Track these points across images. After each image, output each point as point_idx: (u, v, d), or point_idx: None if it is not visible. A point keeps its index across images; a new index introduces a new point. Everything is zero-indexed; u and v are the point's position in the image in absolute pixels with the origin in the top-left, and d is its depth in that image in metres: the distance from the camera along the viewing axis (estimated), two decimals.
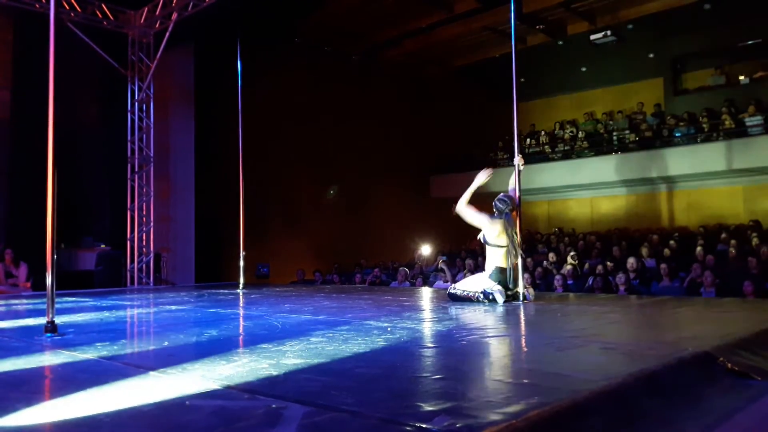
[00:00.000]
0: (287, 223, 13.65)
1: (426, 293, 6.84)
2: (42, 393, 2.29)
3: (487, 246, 5.23)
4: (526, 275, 6.20)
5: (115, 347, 3.10)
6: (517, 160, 5.35)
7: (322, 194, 14.81)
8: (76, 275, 10.38)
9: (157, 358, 2.83)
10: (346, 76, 15.33)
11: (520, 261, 5.17)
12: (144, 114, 11.47)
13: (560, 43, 15.74)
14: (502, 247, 5.12)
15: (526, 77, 16.24)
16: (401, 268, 10.44)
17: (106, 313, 4.94)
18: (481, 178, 5.33)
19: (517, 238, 5.12)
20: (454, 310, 4.73)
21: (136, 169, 11.40)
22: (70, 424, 1.78)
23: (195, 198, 12.03)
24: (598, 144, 15.84)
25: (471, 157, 16.15)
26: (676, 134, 14.21)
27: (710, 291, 7.65)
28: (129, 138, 11.35)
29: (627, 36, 14.67)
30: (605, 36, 14.12)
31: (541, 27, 15.04)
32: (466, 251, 12.72)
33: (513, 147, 5.35)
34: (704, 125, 13.93)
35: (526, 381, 2.25)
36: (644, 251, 10.47)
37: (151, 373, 2.42)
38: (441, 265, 9.99)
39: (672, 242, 11.29)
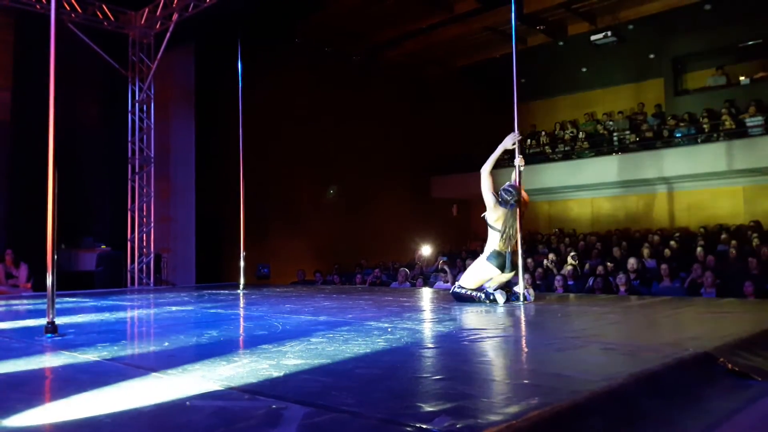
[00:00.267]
0: (288, 224, 13.65)
1: (426, 294, 6.84)
2: (42, 394, 2.29)
3: (488, 227, 5.26)
4: (526, 276, 6.20)
5: (116, 348, 3.10)
6: (518, 160, 5.35)
7: (323, 195, 14.82)
8: (77, 276, 10.38)
9: (158, 358, 2.83)
10: (347, 76, 15.34)
11: (520, 251, 5.19)
12: (144, 114, 11.47)
13: (561, 43, 15.75)
14: (500, 231, 5.15)
15: (526, 78, 16.26)
16: (402, 269, 10.44)
17: (107, 314, 4.94)
18: (508, 142, 5.27)
19: (518, 235, 5.11)
20: (454, 310, 4.73)
21: (137, 170, 11.41)
22: (70, 424, 1.78)
23: (195, 198, 12.04)
24: (599, 144, 15.84)
25: (471, 157, 16.14)
26: (677, 135, 14.21)
27: (711, 291, 7.65)
28: (129, 138, 11.36)
29: (627, 36, 14.68)
30: (606, 36, 14.13)
31: (541, 27, 15.05)
32: (466, 252, 12.71)
33: (514, 147, 5.34)
34: (705, 126, 13.93)
35: (526, 381, 2.25)
36: (645, 252, 10.46)
37: (152, 373, 2.42)
38: (441, 265, 9.99)
39: (672, 243, 11.29)
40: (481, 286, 5.26)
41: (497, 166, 5.28)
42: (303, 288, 8.59)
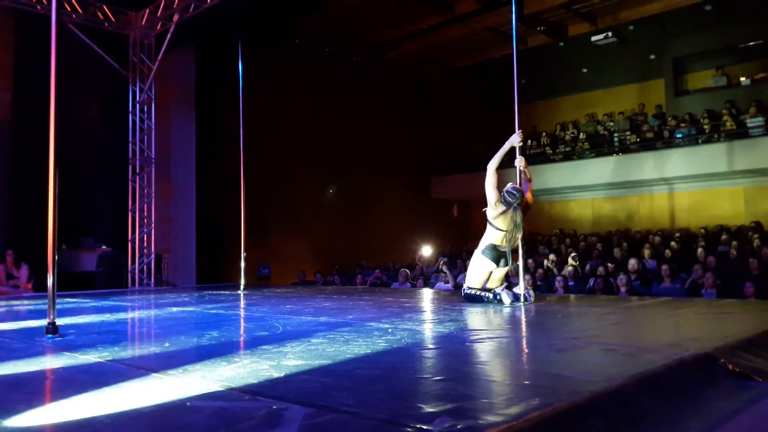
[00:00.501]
0: (288, 224, 13.65)
1: (427, 294, 6.84)
2: (43, 394, 2.29)
3: (487, 223, 5.27)
4: (527, 277, 6.20)
5: (116, 348, 3.10)
6: (519, 161, 5.35)
7: (324, 195, 14.83)
8: (77, 276, 10.38)
9: (158, 359, 2.83)
10: (347, 76, 15.34)
11: (520, 251, 5.22)
12: (145, 115, 11.47)
13: (561, 44, 15.74)
14: (500, 230, 5.16)
15: (527, 78, 16.23)
16: (402, 270, 10.43)
17: (107, 315, 4.95)
18: (515, 140, 5.30)
19: (518, 236, 5.14)
20: (455, 311, 4.73)
21: (138, 170, 11.41)
22: (71, 425, 1.78)
23: (196, 199, 12.04)
24: (600, 145, 15.84)
25: (471, 158, 16.16)
26: (678, 135, 14.20)
27: (711, 292, 7.64)
28: (130, 139, 11.36)
29: (628, 37, 14.67)
30: (606, 37, 14.11)
31: (542, 28, 15.04)
32: (467, 252, 12.71)
33: (515, 148, 5.35)
34: (705, 126, 13.92)
35: (527, 382, 2.25)
36: (645, 252, 10.45)
37: (152, 374, 2.42)
38: (442, 266, 9.98)
39: (673, 243, 11.28)
40: (485, 284, 5.31)
41: (503, 166, 5.29)
42: (303, 289, 8.59)
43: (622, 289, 7.79)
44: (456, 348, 3.08)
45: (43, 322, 3.59)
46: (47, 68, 3.75)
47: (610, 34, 14.03)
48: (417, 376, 2.37)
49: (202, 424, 1.76)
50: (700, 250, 9.93)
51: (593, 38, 14.30)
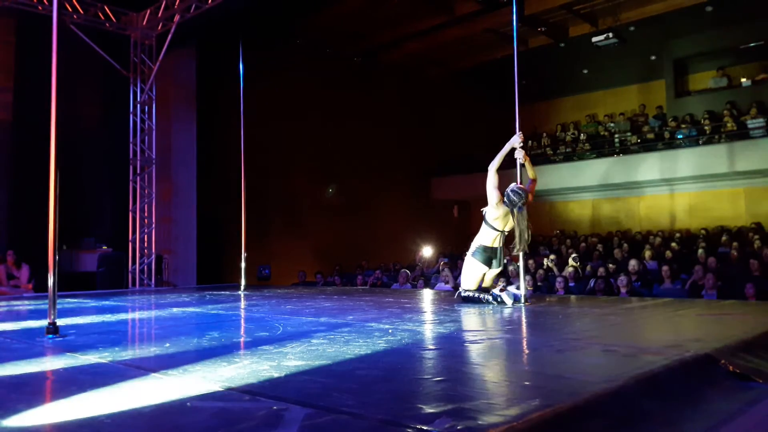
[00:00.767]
0: (289, 225, 13.65)
1: (427, 295, 6.84)
2: (43, 394, 2.29)
3: (483, 222, 5.26)
4: (527, 277, 6.20)
5: (117, 349, 3.11)
6: (519, 153, 5.33)
7: (324, 195, 14.83)
8: (78, 277, 10.38)
9: (158, 359, 2.83)
10: (348, 77, 15.35)
11: (521, 256, 5.22)
12: (146, 116, 11.47)
13: (562, 45, 15.74)
14: (495, 230, 5.16)
15: (527, 79, 16.22)
16: (402, 270, 10.43)
17: (108, 315, 4.95)
18: (515, 141, 5.29)
19: (527, 233, 5.12)
20: (455, 312, 4.73)
21: (138, 171, 11.41)
22: (71, 425, 1.78)
23: (197, 199, 12.04)
24: (600, 146, 15.84)
25: (472, 159, 16.16)
26: (678, 136, 14.21)
27: (712, 293, 7.63)
28: (131, 140, 11.36)
29: (629, 38, 14.67)
30: (607, 38, 14.11)
31: (542, 29, 15.05)
32: (467, 253, 12.70)
33: (520, 146, 5.35)
34: (706, 127, 13.92)
35: (527, 383, 2.24)
36: (646, 253, 10.45)
37: (152, 374, 2.42)
38: (442, 266, 9.98)
39: (674, 244, 11.27)
40: (480, 284, 5.31)
41: (504, 167, 5.28)
42: (304, 289, 8.60)
43: (623, 290, 7.79)
44: (456, 349, 3.08)
45: (44, 323, 3.59)
46: (48, 68, 3.75)
47: (610, 34, 14.03)
48: (417, 376, 2.37)
49: (202, 425, 1.76)
50: (700, 251, 9.93)
51: (594, 39, 14.30)
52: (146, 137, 11.47)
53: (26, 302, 6.65)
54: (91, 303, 6.29)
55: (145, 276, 11.27)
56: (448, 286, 8.87)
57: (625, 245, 11.95)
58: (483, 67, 17.07)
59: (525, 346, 3.18)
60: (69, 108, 9.53)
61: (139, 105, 11.40)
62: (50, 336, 3.49)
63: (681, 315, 4.43)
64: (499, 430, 1.61)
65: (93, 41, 10.49)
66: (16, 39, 10.56)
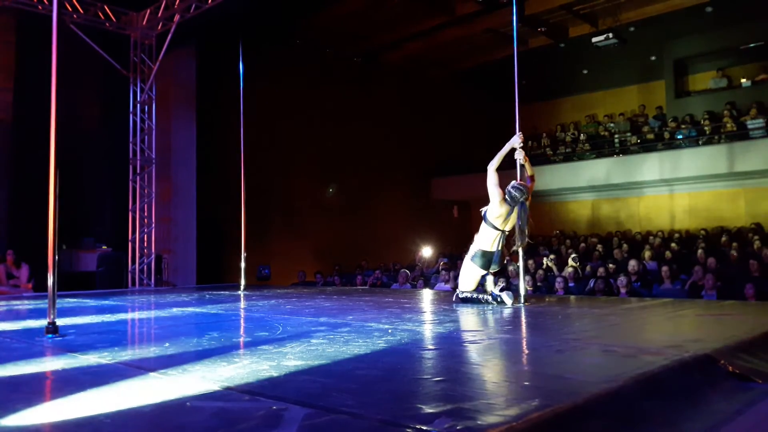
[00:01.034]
0: (288, 225, 13.65)
1: (427, 295, 6.84)
2: (43, 394, 2.29)
3: (483, 222, 5.24)
4: (527, 277, 6.20)
5: (116, 348, 3.10)
6: (519, 154, 5.33)
7: (324, 196, 14.83)
8: (78, 276, 10.38)
9: (158, 359, 2.83)
10: (348, 78, 15.35)
11: (521, 252, 5.22)
12: (146, 115, 11.47)
13: (562, 45, 15.74)
14: (496, 229, 5.14)
15: (527, 79, 16.21)
16: (402, 270, 10.43)
17: (108, 315, 4.95)
18: (515, 141, 5.28)
19: (527, 230, 5.12)
20: (454, 312, 4.73)
21: (138, 171, 11.40)
22: (70, 424, 1.78)
23: (196, 199, 12.04)
24: (600, 146, 15.84)
25: (472, 159, 16.16)
26: (678, 137, 14.21)
27: (711, 294, 7.63)
28: (131, 139, 11.36)
29: (629, 38, 14.67)
30: (607, 38, 14.11)
31: (542, 29, 15.04)
32: (467, 253, 12.69)
33: (519, 146, 5.35)
34: (706, 128, 13.92)
35: (526, 383, 2.25)
36: (646, 254, 10.45)
37: (152, 374, 2.42)
38: (442, 267, 9.98)
39: (673, 245, 11.27)
40: (478, 285, 5.32)
41: (503, 168, 5.28)
42: (303, 289, 8.60)
43: (623, 291, 7.79)
44: (456, 349, 3.08)
45: (44, 322, 3.59)
46: (48, 68, 3.75)
47: (610, 35, 14.03)
48: (417, 376, 2.37)
49: (202, 425, 1.76)
50: (700, 251, 9.93)
51: (594, 39, 14.30)
52: (146, 137, 11.47)
53: (26, 302, 6.64)
54: (91, 303, 6.29)
55: (145, 276, 11.26)
56: (448, 286, 8.87)
57: (625, 245, 11.95)
58: (483, 68, 17.07)
59: (524, 346, 3.18)
60: (69, 108, 9.52)
61: (139, 105, 11.40)
62: (50, 336, 3.49)
63: (681, 315, 4.43)
64: (498, 430, 1.61)
65: (93, 41, 10.49)
66: (16, 39, 10.56)
